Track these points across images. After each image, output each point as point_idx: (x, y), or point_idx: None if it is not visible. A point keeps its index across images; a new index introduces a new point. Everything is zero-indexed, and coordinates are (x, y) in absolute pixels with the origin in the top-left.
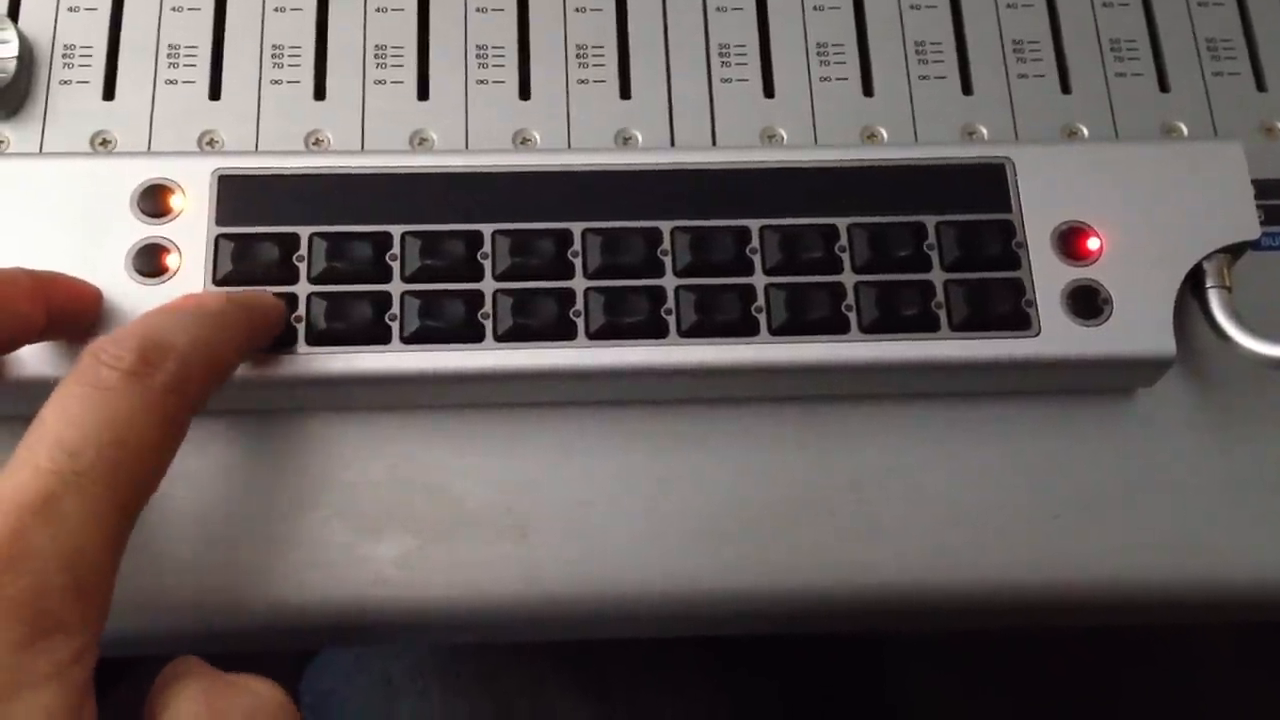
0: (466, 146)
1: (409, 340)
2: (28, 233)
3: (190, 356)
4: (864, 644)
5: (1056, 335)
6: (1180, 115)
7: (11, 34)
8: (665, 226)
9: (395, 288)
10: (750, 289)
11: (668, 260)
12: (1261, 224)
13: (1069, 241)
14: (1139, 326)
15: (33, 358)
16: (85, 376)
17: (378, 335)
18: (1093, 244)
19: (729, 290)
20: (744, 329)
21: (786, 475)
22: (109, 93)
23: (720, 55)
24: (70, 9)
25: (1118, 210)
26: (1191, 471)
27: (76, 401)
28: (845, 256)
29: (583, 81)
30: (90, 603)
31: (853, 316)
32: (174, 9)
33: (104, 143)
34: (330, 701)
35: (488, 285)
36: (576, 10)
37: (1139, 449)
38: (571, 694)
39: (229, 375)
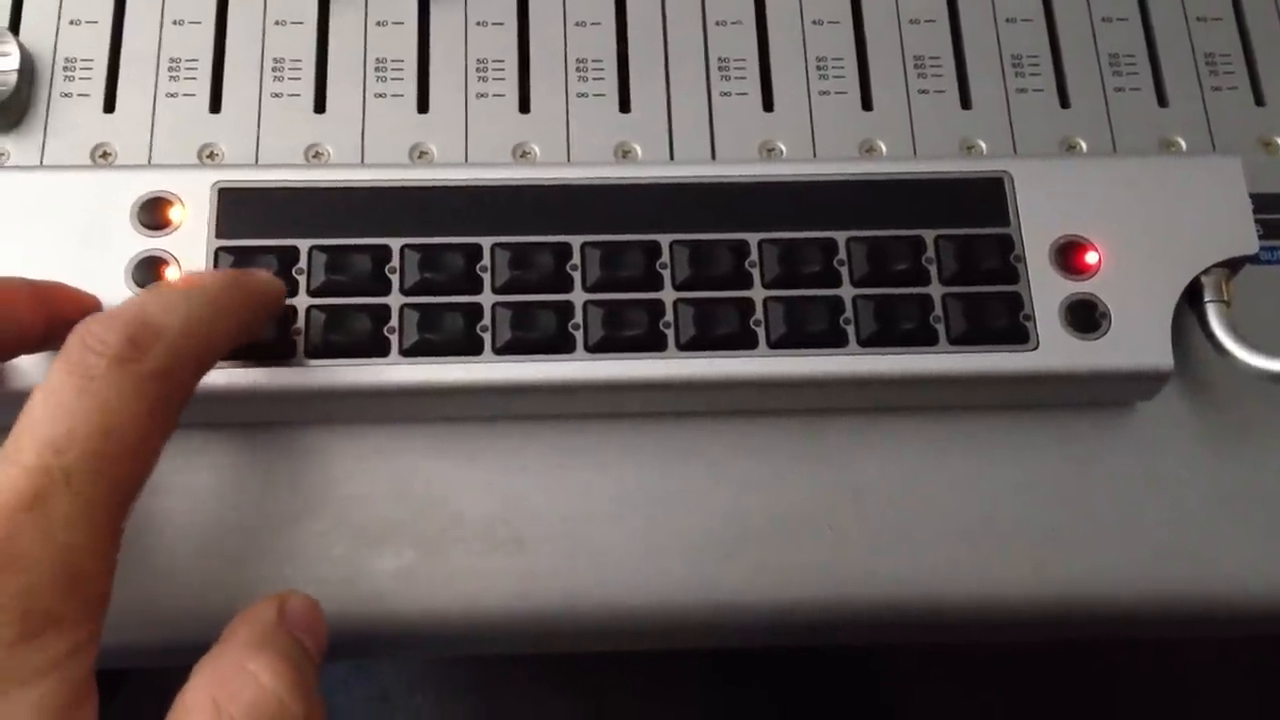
0: (466, 160)
1: (408, 353)
2: (28, 245)
3: (180, 340)
4: (857, 651)
5: (1055, 349)
6: (1179, 130)
7: (13, 47)
8: (664, 240)
9: (394, 301)
10: (749, 302)
11: (666, 274)
12: (1260, 238)
13: (1067, 256)
14: (1137, 340)
15: (32, 367)
16: (71, 364)
17: (376, 348)
18: (1091, 258)
19: (727, 304)
20: (742, 342)
21: (785, 489)
22: (109, 105)
23: (720, 69)
24: (71, 22)
25: (1116, 224)
26: (1190, 484)
27: (62, 392)
28: (844, 270)
29: (582, 95)
30: (85, 598)
31: (851, 330)
32: (175, 22)
33: (104, 155)
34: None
35: (487, 298)
36: (576, 24)
37: (1137, 462)
38: (566, 704)
39: (220, 357)
